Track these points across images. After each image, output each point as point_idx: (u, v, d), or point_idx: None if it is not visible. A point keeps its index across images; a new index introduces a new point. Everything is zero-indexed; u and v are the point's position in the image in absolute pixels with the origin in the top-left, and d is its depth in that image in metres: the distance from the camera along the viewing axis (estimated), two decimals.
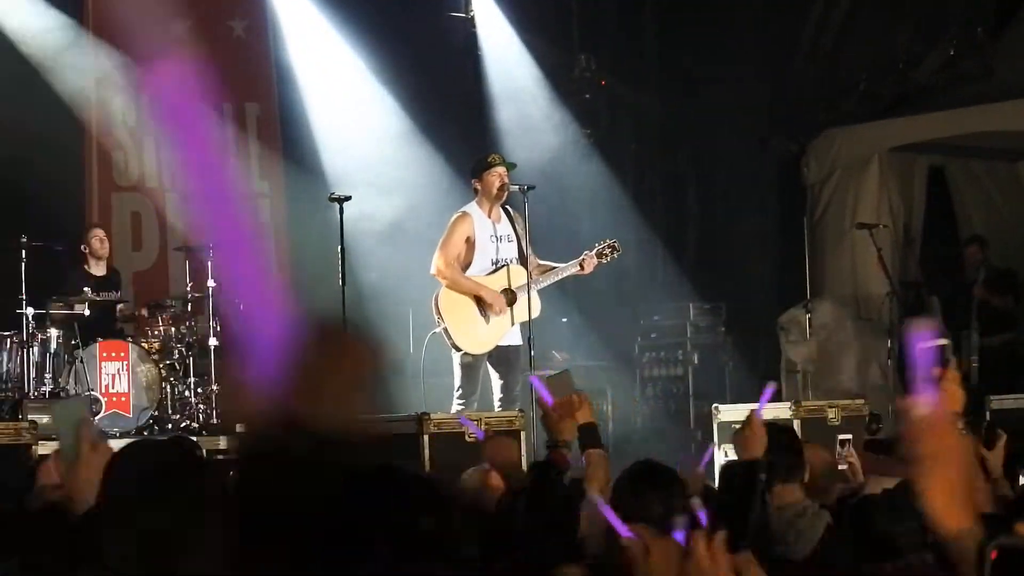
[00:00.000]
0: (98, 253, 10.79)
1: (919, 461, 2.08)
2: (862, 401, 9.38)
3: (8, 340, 9.79)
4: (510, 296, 8.90)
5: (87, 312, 10.10)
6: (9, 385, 9.75)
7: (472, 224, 8.91)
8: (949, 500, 2.06)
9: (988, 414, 9.13)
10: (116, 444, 3.06)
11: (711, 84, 13.43)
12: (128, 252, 12.04)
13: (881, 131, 12.91)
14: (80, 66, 11.67)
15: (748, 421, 3.99)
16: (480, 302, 8.87)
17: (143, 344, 10.33)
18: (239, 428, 2.03)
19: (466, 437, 7.01)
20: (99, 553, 2.38)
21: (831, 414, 8.90)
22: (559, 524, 3.73)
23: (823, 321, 12.26)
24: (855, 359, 12.33)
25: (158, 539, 2.36)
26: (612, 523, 2.29)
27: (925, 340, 2.33)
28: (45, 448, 6.70)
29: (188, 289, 10.71)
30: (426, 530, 1.89)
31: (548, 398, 4.31)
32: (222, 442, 9.88)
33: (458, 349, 8.83)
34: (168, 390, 10.33)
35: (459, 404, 8.72)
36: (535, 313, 8.84)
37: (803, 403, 8.97)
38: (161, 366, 10.27)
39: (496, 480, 4.62)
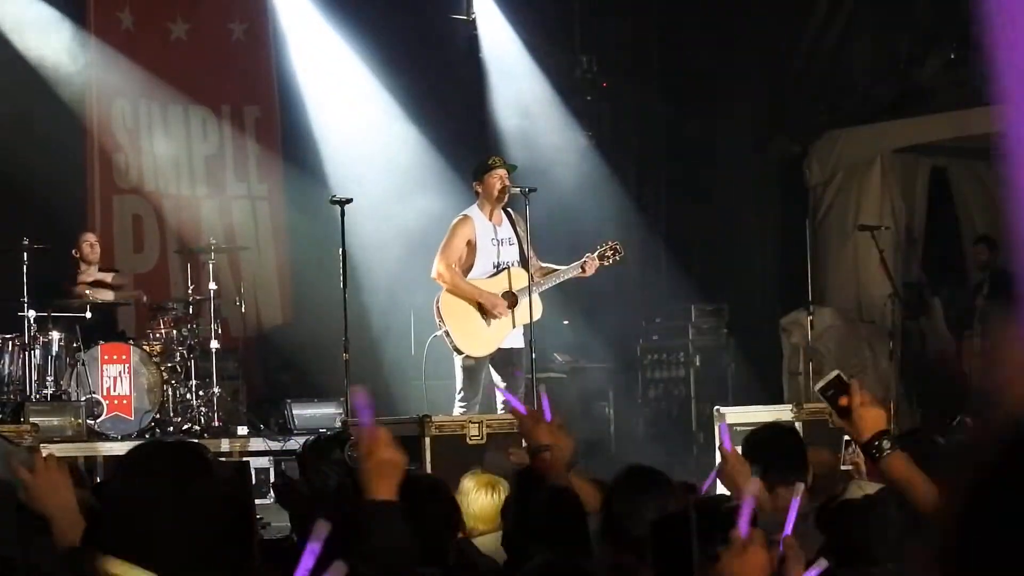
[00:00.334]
0: (89, 258, 10.76)
1: None
2: None
3: (10, 343, 9.78)
4: (511, 299, 8.88)
5: (88, 315, 10.10)
6: (11, 388, 9.73)
7: (473, 227, 8.89)
8: None
9: None
10: (118, 447, 3.05)
11: (713, 86, 13.42)
12: (129, 254, 12.04)
13: (883, 132, 12.90)
14: (81, 68, 11.67)
15: (724, 459, 3.98)
16: (481, 306, 8.85)
17: (144, 347, 10.33)
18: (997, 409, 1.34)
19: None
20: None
21: (833, 416, 8.85)
22: (557, 525, 3.72)
23: (825, 323, 12.24)
24: (857, 361, 12.30)
25: (170, 540, 2.33)
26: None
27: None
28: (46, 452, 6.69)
29: (189, 292, 10.73)
30: None
31: (548, 413, 4.27)
32: (223, 445, 9.90)
33: (459, 352, 8.81)
34: (169, 393, 10.33)
35: (461, 407, 8.70)
36: (537, 315, 8.82)
37: (805, 405, 8.94)
38: (163, 369, 10.27)
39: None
